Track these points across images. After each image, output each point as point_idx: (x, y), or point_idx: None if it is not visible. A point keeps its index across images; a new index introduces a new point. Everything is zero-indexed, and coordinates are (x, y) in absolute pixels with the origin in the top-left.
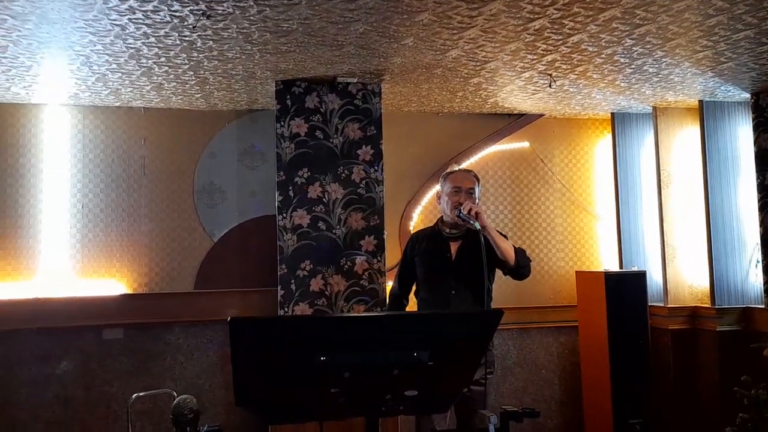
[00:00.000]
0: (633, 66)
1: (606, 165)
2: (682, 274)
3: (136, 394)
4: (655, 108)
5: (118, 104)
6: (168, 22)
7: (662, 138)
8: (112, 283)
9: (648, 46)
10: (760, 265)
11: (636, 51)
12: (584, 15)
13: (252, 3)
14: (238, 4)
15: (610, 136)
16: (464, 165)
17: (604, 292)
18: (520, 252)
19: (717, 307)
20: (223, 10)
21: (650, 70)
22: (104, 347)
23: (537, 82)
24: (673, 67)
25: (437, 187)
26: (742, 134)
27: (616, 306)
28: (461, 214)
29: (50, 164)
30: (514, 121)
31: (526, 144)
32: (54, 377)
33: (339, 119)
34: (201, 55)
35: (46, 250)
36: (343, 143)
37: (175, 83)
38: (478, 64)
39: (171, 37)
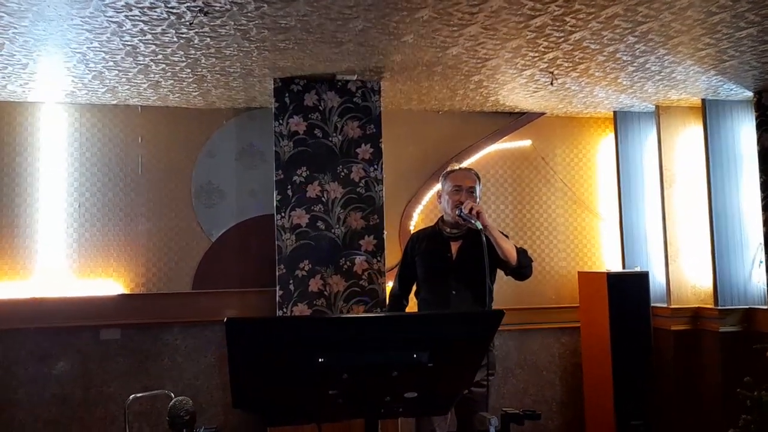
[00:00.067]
0: (635, 64)
1: (608, 164)
2: (685, 275)
3: (133, 395)
4: (657, 106)
5: (115, 102)
6: (165, 18)
7: (665, 137)
8: (109, 283)
9: (650, 44)
10: (763, 266)
11: (638, 49)
12: (586, 12)
13: (250, 0)
14: (235, 0)
15: (612, 135)
16: (465, 164)
17: (606, 293)
18: (521, 252)
19: (720, 307)
20: (221, 7)
21: (653, 68)
22: (102, 347)
23: (538, 80)
24: (676, 65)
25: (437, 186)
26: (745, 133)
27: (618, 307)
28: (462, 214)
29: (47, 163)
30: (515, 120)
31: (527, 143)
32: (51, 377)
33: (338, 117)
34: (198, 53)
35: (43, 250)
36: (343, 142)
37: (172, 81)
38: (478, 61)
39: (168, 34)
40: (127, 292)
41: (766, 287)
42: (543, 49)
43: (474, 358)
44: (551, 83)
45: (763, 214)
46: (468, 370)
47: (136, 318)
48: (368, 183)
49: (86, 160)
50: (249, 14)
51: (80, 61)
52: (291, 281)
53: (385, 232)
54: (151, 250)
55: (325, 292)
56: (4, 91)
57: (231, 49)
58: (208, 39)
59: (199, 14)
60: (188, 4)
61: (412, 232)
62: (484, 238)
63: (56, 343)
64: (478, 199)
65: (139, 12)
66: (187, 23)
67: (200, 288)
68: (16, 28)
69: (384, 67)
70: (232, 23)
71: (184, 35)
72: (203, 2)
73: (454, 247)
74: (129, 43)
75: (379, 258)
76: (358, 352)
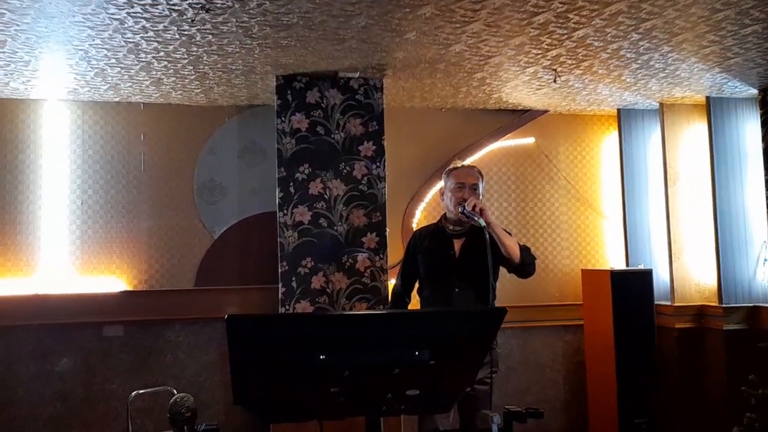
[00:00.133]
0: (639, 61)
1: (612, 162)
2: (689, 273)
3: (135, 392)
4: (661, 104)
5: (117, 99)
6: (167, 15)
7: (669, 134)
8: (111, 280)
9: (654, 41)
10: (767, 263)
11: (642, 46)
12: (589, 9)
13: None
14: None
15: (616, 133)
16: (468, 161)
17: (610, 291)
18: (524, 249)
19: (724, 305)
20: (222, 4)
21: (657, 65)
22: (104, 344)
23: (542, 77)
24: (680, 62)
25: (440, 184)
26: (749, 131)
27: (622, 304)
28: (465, 211)
29: (50, 160)
30: (518, 117)
31: (530, 140)
32: (54, 374)
33: (340, 114)
34: (200, 50)
35: (45, 247)
36: (345, 139)
37: (174, 78)
38: (481, 58)
39: (170, 32)
40: (129, 289)
41: None
42: (546, 47)
43: (476, 355)
44: (554, 80)
45: (767, 211)
46: (470, 367)
47: (138, 315)
48: (371, 180)
49: (89, 157)
50: (251, 11)
51: (82, 59)
52: (293, 278)
53: (388, 230)
54: (153, 247)
55: (328, 290)
56: (6, 89)
57: (233, 46)
58: (210, 36)
59: (200, 11)
60: (190, 1)
61: (414, 229)
62: (487, 236)
63: (59, 339)
64: (480, 197)
65: (141, 9)
66: (189, 20)
67: (202, 285)
68: (18, 25)
69: (386, 64)
70: (234, 20)
71: (186, 32)
72: None
73: (457, 244)
74: (131, 40)
75: (381, 255)
76: (359, 349)
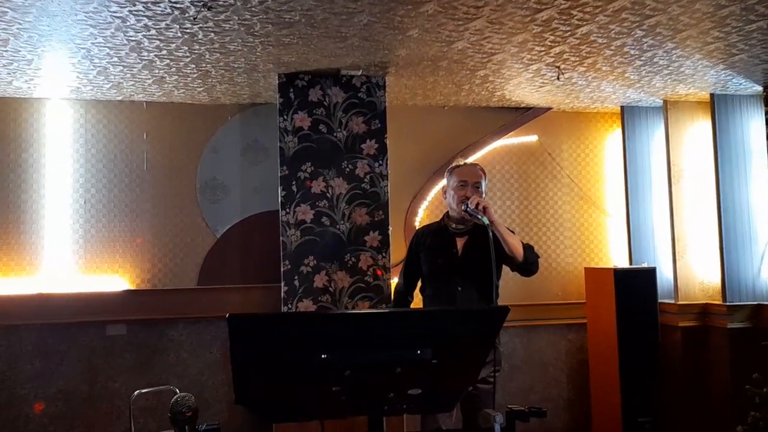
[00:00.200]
0: (643, 58)
1: (615, 159)
2: (693, 271)
3: (138, 391)
4: (665, 101)
5: (120, 98)
6: (169, 13)
7: (673, 132)
8: (115, 279)
9: (658, 38)
10: None
11: (646, 42)
12: (593, 5)
13: None
14: None
15: (619, 130)
16: (471, 159)
17: (613, 289)
18: (528, 248)
19: (728, 303)
20: (224, 1)
21: (661, 62)
22: (107, 343)
23: (545, 74)
24: (684, 59)
25: (443, 182)
26: (754, 128)
27: (625, 303)
28: (468, 209)
29: (52, 159)
30: (521, 115)
31: (533, 138)
32: (57, 373)
33: (343, 113)
34: (202, 48)
35: (49, 246)
36: (347, 137)
37: (176, 77)
38: (484, 56)
39: (172, 30)
40: (132, 287)
41: None
42: (549, 44)
43: (479, 354)
44: (558, 78)
45: None
46: (473, 366)
47: (141, 314)
48: (373, 179)
49: (92, 156)
50: (253, 9)
51: (85, 57)
52: (296, 277)
53: (390, 228)
54: (156, 246)
55: (330, 288)
56: (9, 87)
57: (235, 44)
58: (212, 34)
59: (202, 9)
60: None
61: (417, 228)
62: (491, 234)
63: (62, 339)
64: (483, 195)
65: (143, 7)
66: (191, 18)
67: (205, 284)
68: (20, 23)
69: (389, 62)
70: (236, 18)
71: (188, 30)
72: None
73: (460, 243)
74: (133, 38)
75: (384, 254)
76: (361, 348)
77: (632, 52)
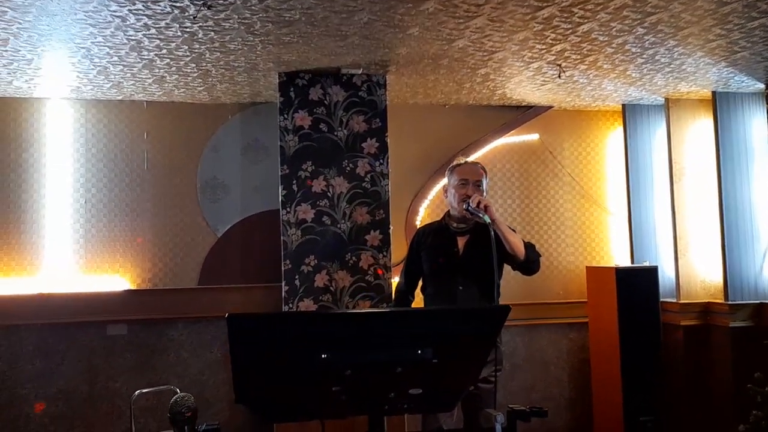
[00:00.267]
0: (644, 56)
1: (617, 158)
2: (695, 269)
3: (139, 391)
4: (667, 99)
5: (120, 98)
6: (168, 12)
7: (674, 130)
8: (115, 279)
9: (660, 35)
10: None
11: (648, 40)
12: (594, 3)
13: None
14: None
15: (621, 129)
16: (472, 158)
17: (615, 288)
18: (529, 246)
19: (730, 302)
20: (224, 0)
21: (662, 59)
22: (108, 343)
23: (546, 72)
24: (686, 56)
25: (444, 181)
26: (756, 126)
27: (627, 302)
28: (470, 207)
29: (53, 159)
30: (522, 113)
31: (535, 136)
32: (58, 372)
33: (343, 111)
34: (203, 47)
35: (49, 246)
36: (348, 136)
37: (177, 76)
38: (485, 54)
39: (172, 29)
40: (133, 287)
41: None
42: (550, 41)
43: (480, 353)
44: (559, 76)
45: None
46: (473, 366)
47: (142, 313)
48: (374, 178)
49: (92, 155)
50: (253, 7)
51: (85, 56)
52: (297, 276)
53: (391, 227)
54: (157, 245)
55: (331, 288)
56: (9, 87)
57: (235, 43)
58: (212, 33)
59: (202, 8)
60: None
61: (418, 227)
62: (492, 232)
63: (62, 338)
64: (484, 193)
65: (143, 6)
66: (191, 17)
67: (206, 283)
68: (20, 23)
69: (389, 60)
70: (236, 17)
71: (188, 29)
72: None
73: (461, 242)
74: (133, 37)
75: (385, 253)
76: (361, 348)
77: (634, 49)
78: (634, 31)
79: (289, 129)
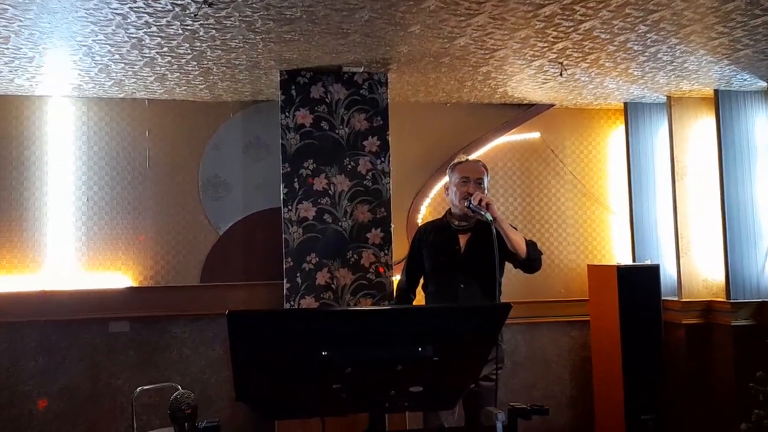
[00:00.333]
0: (646, 54)
1: (619, 156)
2: (697, 268)
3: (140, 388)
4: (669, 97)
5: (122, 96)
6: (169, 10)
7: (676, 128)
8: (117, 276)
9: (662, 33)
10: None
11: (650, 38)
12: (596, 0)
13: None
14: None
15: (622, 127)
16: (473, 156)
17: (616, 286)
18: (531, 244)
19: (732, 301)
20: None
21: (664, 58)
22: (110, 340)
23: (547, 71)
24: (688, 54)
25: (445, 179)
26: (758, 124)
27: (628, 300)
28: (472, 205)
29: (55, 157)
30: (524, 112)
31: (536, 135)
32: (60, 370)
33: (345, 110)
34: (204, 45)
35: (51, 243)
36: (349, 134)
37: (178, 74)
38: (486, 52)
39: (173, 27)
40: (135, 285)
41: None
42: (552, 39)
43: (480, 351)
44: (560, 74)
45: None
46: (474, 364)
47: (144, 311)
48: (375, 176)
49: (94, 153)
50: (254, 5)
51: (86, 54)
52: (298, 274)
53: (393, 225)
54: (159, 243)
55: (333, 285)
56: (11, 85)
57: (236, 41)
58: (214, 31)
59: (203, 5)
60: None
61: (419, 225)
62: (494, 230)
63: (65, 336)
64: (486, 191)
65: (144, 3)
66: (192, 15)
67: (208, 281)
68: (21, 20)
69: (391, 58)
70: (237, 14)
71: (189, 27)
72: None
73: (462, 239)
74: (134, 35)
75: (386, 251)
76: (361, 345)
77: (636, 47)
78: (636, 28)
79: (291, 127)
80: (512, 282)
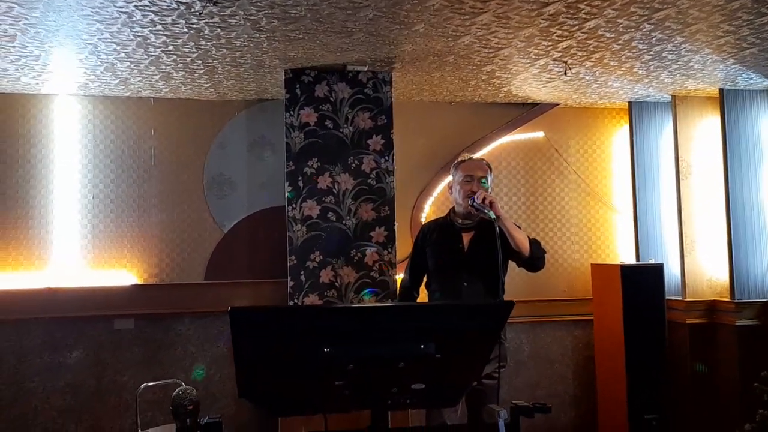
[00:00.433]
0: (651, 52)
1: (623, 155)
2: (701, 267)
3: (144, 384)
4: (674, 96)
5: (127, 94)
6: (175, 9)
7: (681, 127)
8: (122, 274)
9: (667, 32)
10: None
11: (654, 37)
12: None
13: None
14: None
15: (627, 126)
16: (477, 155)
17: (620, 285)
18: (534, 243)
19: (736, 300)
20: None
21: (669, 56)
22: (115, 337)
23: (552, 69)
24: (693, 53)
25: (449, 178)
26: (764, 124)
27: (632, 299)
28: (475, 203)
29: (61, 155)
30: (528, 111)
31: (540, 134)
32: (66, 366)
33: (349, 108)
34: (209, 44)
35: (57, 241)
36: (354, 133)
37: (183, 72)
38: (491, 51)
39: (178, 25)
40: (140, 282)
41: None
42: (557, 38)
43: (483, 349)
44: (565, 73)
45: None
46: (477, 361)
47: (149, 308)
48: (379, 174)
49: (99, 152)
50: (259, 4)
51: (92, 53)
52: (302, 272)
53: (396, 224)
54: (164, 241)
55: (336, 283)
56: (17, 83)
57: (241, 39)
58: (219, 29)
59: (208, 4)
60: None
61: (423, 223)
62: (497, 229)
63: (70, 332)
64: (489, 190)
65: (149, 2)
66: (197, 13)
67: (213, 279)
68: (27, 18)
69: (395, 57)
70: (242, 13)
71: (194, 26)
72: None
73: (466, 238)
74: (139, 34)
75: (390, 249)
76: (364, 342)
77: (640, 46)
78: (640, 27)
79: (295, 126)
80: (515, 281)
